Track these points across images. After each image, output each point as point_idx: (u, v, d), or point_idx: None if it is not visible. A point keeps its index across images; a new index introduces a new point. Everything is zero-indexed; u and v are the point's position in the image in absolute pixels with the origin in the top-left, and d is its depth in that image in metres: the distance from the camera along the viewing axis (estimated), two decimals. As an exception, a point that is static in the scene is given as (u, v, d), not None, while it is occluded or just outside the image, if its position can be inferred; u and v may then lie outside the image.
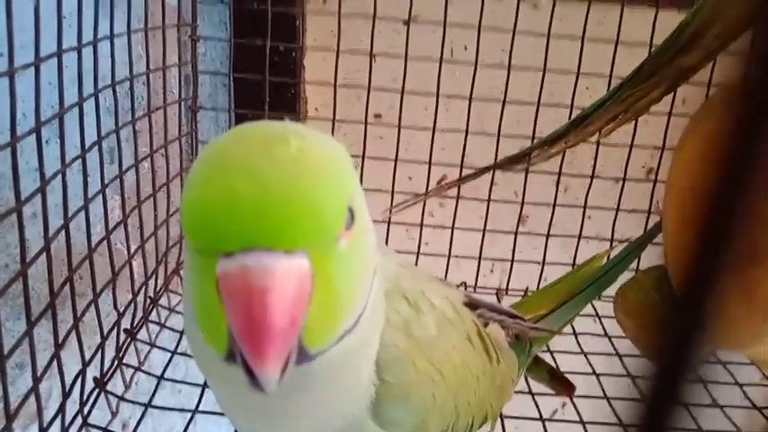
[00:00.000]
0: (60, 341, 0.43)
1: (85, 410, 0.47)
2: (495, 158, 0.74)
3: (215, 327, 0.26)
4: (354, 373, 0.33)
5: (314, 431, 0.34)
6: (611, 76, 0.74)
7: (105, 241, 0.51)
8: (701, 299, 0.15)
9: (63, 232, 0.45)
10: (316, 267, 0.25)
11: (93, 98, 0.49)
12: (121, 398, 0.50)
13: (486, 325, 0.49)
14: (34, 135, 0.40)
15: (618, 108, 0.57)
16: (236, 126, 0.28)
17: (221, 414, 0.50)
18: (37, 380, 0.40)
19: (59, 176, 0.44)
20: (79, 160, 0.47)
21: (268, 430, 0.35)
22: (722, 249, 0.14)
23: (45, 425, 0.42)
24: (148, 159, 0.60)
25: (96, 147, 0.50)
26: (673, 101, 0.74)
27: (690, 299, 0.15)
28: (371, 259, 0.31)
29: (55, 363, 0.43)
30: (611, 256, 0.65)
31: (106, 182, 0.51)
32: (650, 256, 0.67)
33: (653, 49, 0.71)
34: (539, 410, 0.59)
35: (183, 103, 0.69)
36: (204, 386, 0.56)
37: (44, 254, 0.42)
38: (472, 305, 0.50)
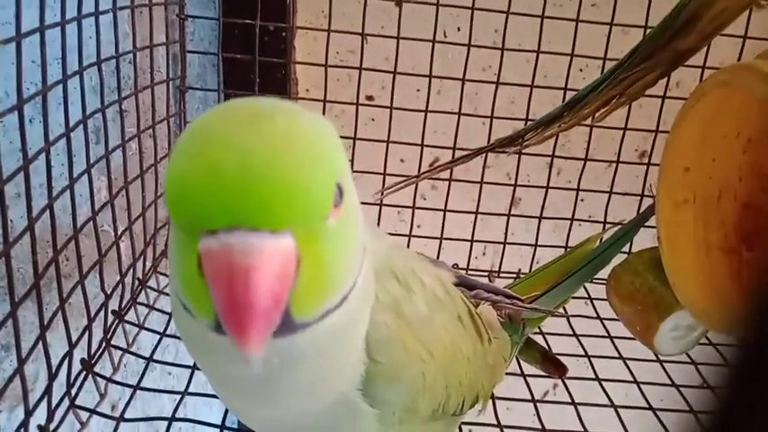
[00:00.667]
0: (46, 322, 0.43)
1: (73, 392, 0.46)
2: (488, 141, 0.73)
3: (201, 302, 0.26)
4: (343, 351, 0.32)
5: (304, 410, 0.34)
6: (605, 59, 0.74)
7: (92, 222, 0.51)
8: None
9: (48, 213, 0.44)
10: (302, 246, 0.25)
11: (77, 77, 0.48)
12: (110, 379, 0.50)
13: (477, 305, 0.49)
14: (17, 114, 0.39)
15: (613, 91, 0.57)
16: (224, 101, 0.28)
17: (211, 396, 0.50)
18: (22, 361, 0.39)
19: (43, 157, 0.43)
20: (64, 141, 0.46)
21: (258, 409, 0.35)
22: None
23: (31, 407, 0.41)
24: (136, 140, 0.59)
25: (81, 126, 0.49)
26: (667, 84, 0.74)
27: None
28: (359, 237, 0.31)
29: (41, 345, 0.43)
30: (603, 239, 0.65)
31: (92, 162, 0.50)
32: (643, 239, 0.67)
33: (648, 31, 0.70)
34: (530, 391, 0.59)
35: (171, 83, 0.68)
36: (194, 368, 0.56)
37: (28, 235, 0.41)
38: (468, 285, 0.50)
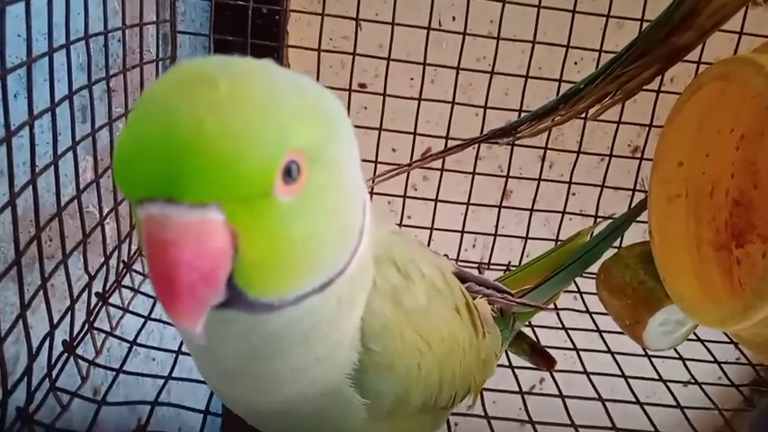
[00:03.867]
0: (27, 302, 0.41)
1: (53, 374, 0.45)
2: (481, 131, 0.72)
3: None
4: (334, 337, 0.32)
5: (293, 397, 0.33)
6: (600, 51, 0.73)
7: (76, 202, 0.49)
8: None
9: (31, 191, 0.42)
10: (239, 222, 0.24)
11: (64, 52, 0.47)
12: (92, 362, 0.49)
13: (473, 299, 0.48)
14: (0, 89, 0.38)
15: (609, 87, 0.56)
16: (178, 63, 0.26)
17: (196, 381, 0.49)
18: (1, 341, 0.38)
19: (27, 135, 0.41)
20: (49, 119, 0.45)
21: (247, 394, 0.34)
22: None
23: (10, 387, 0.40)
24: (123, 120, 0.58)
25: (67, 105, 0.48)
26: (661, 79, 0.74)
27: None
28: (348, 219, 0.29)
29: (21, 326, 0.41)
30: (595, 233, 0.64)
31: (78, 140, 0.49)
32: (634, 234, 0.67)
33: (644, 24, 0.70)
34: (518, 384, 0.59)
35: (160, 63, 0.67)
36: (178, 353, 0.55)
37: (10, 213, 0.40)
38: (461, 278, 0.49)
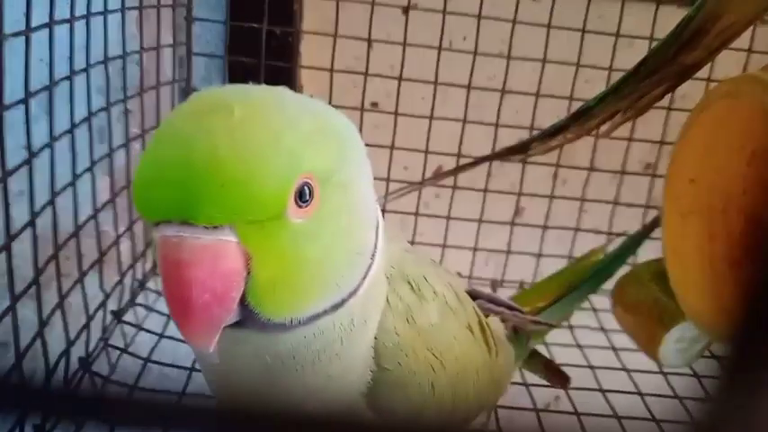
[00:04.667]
0: (45, 319, 0.42)
1: (70, 392, 0.46)
2: (493, 149, 0.73)
3: None
4: (345, 356, 0.32)
5: None
6: (610, 69, 0.73)
7: (93, 222, 0.50)
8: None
9: (50, 210, 0.43)
10: (252, 243, 0.25)
11: (83, 76, 0.48)
12: (107, 379, 0.49)
13: (486, 317, 0.48)
14: (23, 112, 0.39)
15: (619, 105, 0.57)
16: (197, 92, 0.27)
17: (209, 398, 0.49)
18: (19, 357, 0.39)
19: (48, 156, 0.43)
20: (68, 138, 0.46)
21: None
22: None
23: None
24: (139, 141, 0.59)
25: (86, 127, 0.49)
26: (672, 96, 0.74)
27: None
28: (361, 239, 0.30)
29: (39, 343, 0.42)
30: (608, 250, 0.64)
31: (95, 161, 0.50)
32: (648, 251, 0.67)
33: (654, 43, 0.70)
34: (533, 401, 0.58)
35: (176, 84, 0.68)
36: (191, 370, 0.55)
37: (29, 232, 0.41)
38: (472, 295, 0.49)
